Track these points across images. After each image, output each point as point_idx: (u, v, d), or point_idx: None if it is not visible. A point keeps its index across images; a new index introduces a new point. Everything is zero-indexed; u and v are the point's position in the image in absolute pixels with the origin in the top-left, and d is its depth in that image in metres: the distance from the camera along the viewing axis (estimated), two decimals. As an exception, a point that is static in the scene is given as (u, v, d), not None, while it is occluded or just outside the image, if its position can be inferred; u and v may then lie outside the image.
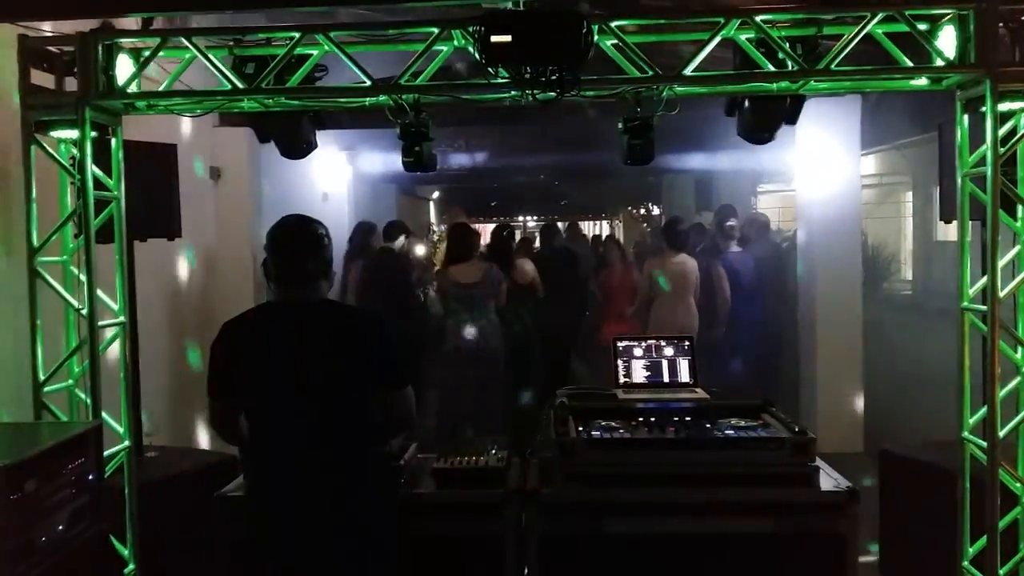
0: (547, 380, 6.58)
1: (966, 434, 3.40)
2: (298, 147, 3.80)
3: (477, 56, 3.11)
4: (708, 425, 3.24)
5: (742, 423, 3.26)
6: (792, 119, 3.57)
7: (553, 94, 3.23)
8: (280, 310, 2.76)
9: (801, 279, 6.94)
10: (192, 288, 5.99)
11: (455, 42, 3.34)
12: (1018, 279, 3.30)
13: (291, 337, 2.68)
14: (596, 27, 3.20)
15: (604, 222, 22.88)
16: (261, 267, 2.81)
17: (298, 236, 2.77)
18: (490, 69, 3.16)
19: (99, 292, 3.45)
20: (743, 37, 3.30)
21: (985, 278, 3.25)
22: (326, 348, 2.66)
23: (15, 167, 3.47)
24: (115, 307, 3.61)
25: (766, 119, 3.59)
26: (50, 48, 3.46)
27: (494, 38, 3.02)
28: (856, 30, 3.22)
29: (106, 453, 3.21)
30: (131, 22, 3.76)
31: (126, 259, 3.67)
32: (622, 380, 3.74)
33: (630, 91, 3.42)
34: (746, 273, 6.77)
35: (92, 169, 3.39)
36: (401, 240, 7.17)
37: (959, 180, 3.38)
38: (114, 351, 3.62)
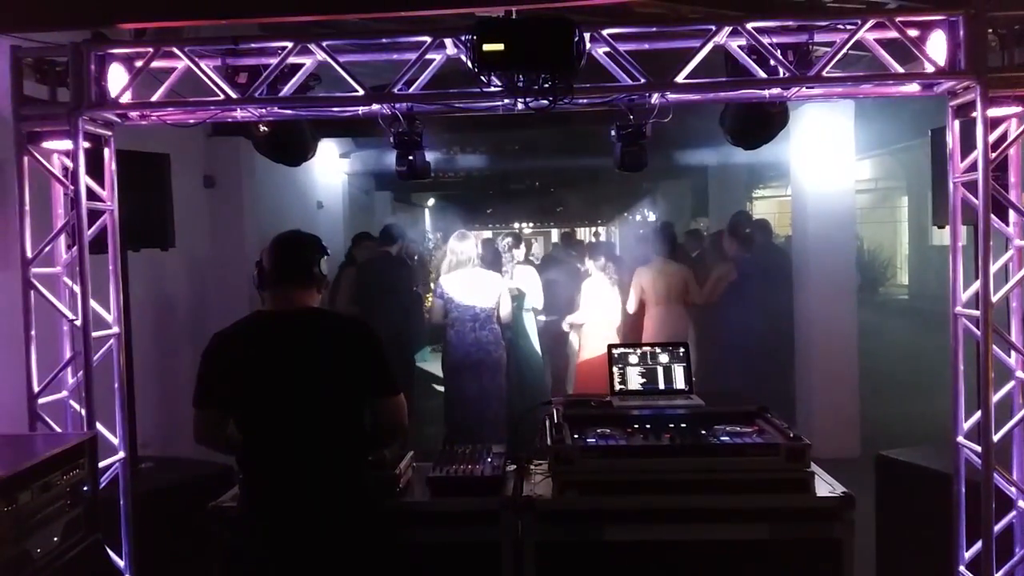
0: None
1: (961, 439, 3.40)
2: (296, 153, 3.83)
3: (470, 64, 3.12)
4: (703, 431, 3.24)
5: (737, 429, 3.27)
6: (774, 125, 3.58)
7: (546, 102, 3.24)
8: (271, 319, 2.77)
9: (796, 284, 6.95)
10: (186, 298, 6.00)
11: (448, 51, 3.35)
12: (1011, 283, 3.31)
13: (282, 346, 2.69)
14: (588, 35, 3.21)
15: (601, 228, 22.91)
16: (254, 276, 2.82)
17: (302, 240, 2.85)
18: (483, 77, 3.16)
19: (93, 303, 3.45)
20: (735, 44, 3.32)
21: (978, 283, 3.26)
22: (317, 357, 2.67)
23: (8, 178, 3.47)
24: (109, 318, 3.61)
25: (752, 125, 3.62)
26: (42, 59, 3.46)
27: (487, 47, 3.03)
28: (848, 37, 3.24)
29: (101, 464, 3.21)
30: (124, 32, 3.76)
31: (120, 269, 3.67)
32: (617, 387, 3.74)
33: (622, 98, 3.44)
34: (749, 277, 6.80)
35: (85, 180, 3.40)
36: (399, 244, 7.14)
37: (951, 186, 3.40)
38: (109, 362, 3.61)
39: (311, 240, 2.87)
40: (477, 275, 5.81)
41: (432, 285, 6.33)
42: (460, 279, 5.79)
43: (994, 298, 3.22)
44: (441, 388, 6.14)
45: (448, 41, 3.30)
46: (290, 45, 3.32)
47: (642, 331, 6.53)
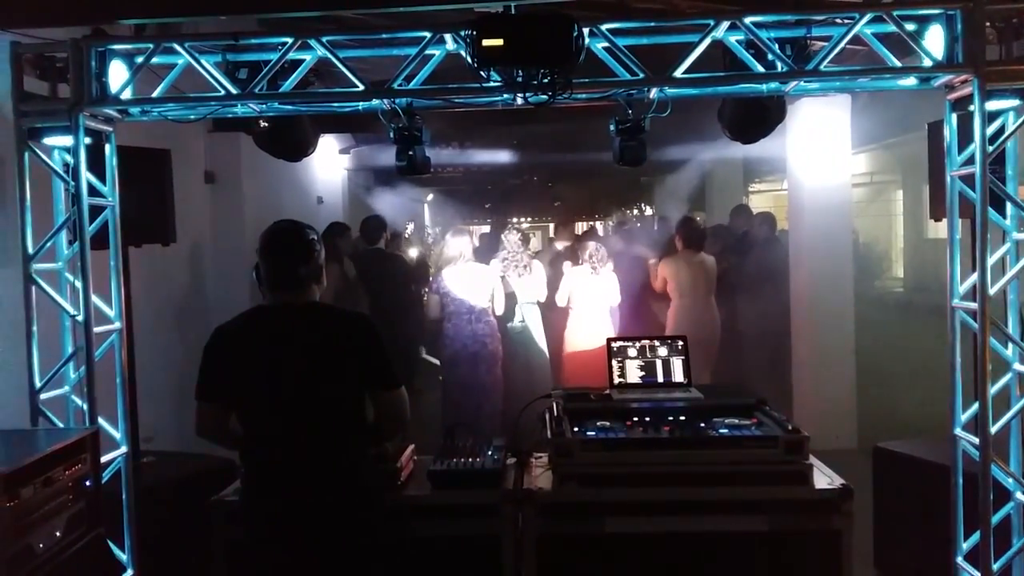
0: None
1: (958, 430, 3.42)
2: (296, 149, 3.84)
3: (469, 60, 3.13)
4: (702, 424, 3.26)
5: (736, 422, 3.29)
6: (771, 120, 3.60)
7: (545, 97, 3.25)
8: (272, 313, 2.78)
9: (793, 277, 6.98)
10: (187, 293, 6.00)
11: (447, 46, 3.36)
12: (1007, 276, 3.33)
13: (283, 340, 2.70)
14: (587, 30, 3.22)
15: (598, 223, 22.91)
16: (253, 271, 2.83)
17: (289, 243, 2.78)
18: (482, 73, 3.17)
19: (94, 298, 3.46)
20: (732, 39, 3.33)
21: (975, 276, 3.27)
22: (318, 350, 2.68)
23: (9, 174, 3.47)
24: (111, 313, 3.62)
25: (749, 119, 3.63)
26: (43, 55, 3.47)
27: (486, 42, 3.04)
28: (845, 31, 3.25)
29: (103, 459, 3.21)
30: (124, 28, 3.77)
31: (121, 265, 3.68)
32: (616, 380, 3.76)
33: (621, 93, 3.45)
34: (747, 271, 6.82)
35: (86, 175, 3.40)
36: (385, 235, 7.06)
37: (948, 179, 3.41)
38: (111, 357, 3.62)
39: (294, 242, 2.76)
40: (471, 269, 5.89)
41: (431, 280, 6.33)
42: (455, 274, 5.84)
43: (991, 291, 3.24)
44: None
45: (448, 36, 3.30)
46: (290, 41, 3.32)
47: (666, 320, 6.54)
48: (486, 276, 5.94)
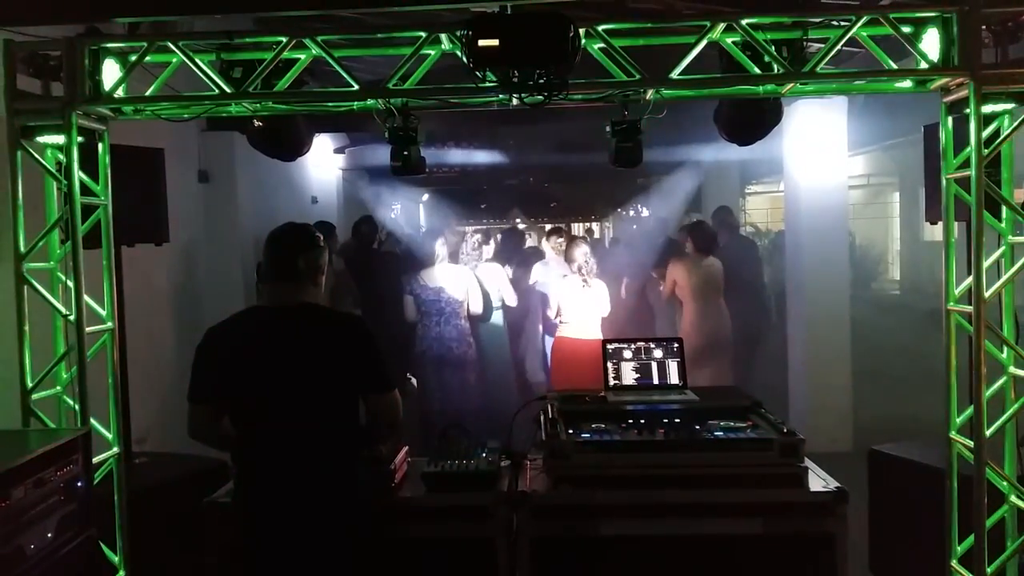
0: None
1: (953, 434, 3.42)
2: (291, 148, 3.83)
3: (465, 60, 3.12)
4: (697, 427, 3.26)
5: (731, 424, 3.28)
6: (768, 122, 3.59)
7: (541, 98, 3.24)
8: (266, 314, 2.77)
9: (789, 279, 6.98)
10: (180, 293, 5.98)
11: (443, 46, 3.35)
12: (1003, 279, 3.33)
13: (276, 341, 2.69)
14: (583, 30, 3.21)
15: (595, 224, 22.90)
16: (255, 268, 2.83)
17: (292, 233, 2.83)
18: (478, 73, 3.16)
19: (87, 298, 3.44)
20: (729, 40, 3.32)
21: (970, 279, 3.27)
22: (312, 353, 2.67)
23: (1, 173, 3.45)
24: (103, 313, 3.60)
25: (746, 121, 3.63)
26: (36, 53, 3.45)
27: (482, 42, 3.02)
28: (841, 33, 3.25)
29: (95, 460, 3.20)
30: (118, 26, 3.75)
31: (114, 264, 3.66)
32: (612, 382, 3.75)
33: (617, 94, 3.44)
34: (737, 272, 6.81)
35: (79, 174, 3.39)
36: (377, 235, 7.01)
37: (944, 182, 3.41)
38: (103, 357, 3.60)
39: (298, 234, 2.83)
40: (444, 271, 5.86)
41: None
42: (428, 275, 5.84)
43: (986, 294, 3.23)
44: None
45: (443, 36, 3.30)
46: (285, 40, 3.31)
47: (681, 326, 6.50)
48: (460, 278, 5.88)
